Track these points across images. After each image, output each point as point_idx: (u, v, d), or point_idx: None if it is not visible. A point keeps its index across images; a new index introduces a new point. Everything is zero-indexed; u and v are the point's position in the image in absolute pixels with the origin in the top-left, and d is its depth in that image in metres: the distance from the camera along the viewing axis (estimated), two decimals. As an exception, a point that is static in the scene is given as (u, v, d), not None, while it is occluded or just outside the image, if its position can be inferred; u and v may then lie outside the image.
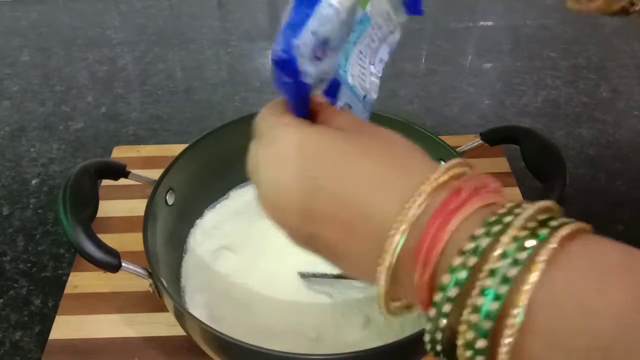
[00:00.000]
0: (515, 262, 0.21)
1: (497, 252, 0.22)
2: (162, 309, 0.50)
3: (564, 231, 0.22)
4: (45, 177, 0.74)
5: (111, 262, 0.47)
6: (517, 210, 0.23)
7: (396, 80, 0.90)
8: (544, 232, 0.22)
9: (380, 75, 0.39)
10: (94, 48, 0.99)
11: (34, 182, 0.73)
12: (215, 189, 0.63)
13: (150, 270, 0.48)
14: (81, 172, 0.52)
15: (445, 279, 0.23)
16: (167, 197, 0.56)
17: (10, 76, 0.93)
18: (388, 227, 0.25)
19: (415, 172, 0.26)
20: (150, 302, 0.54)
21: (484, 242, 0.22)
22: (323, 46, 0.30)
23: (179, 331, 0.50)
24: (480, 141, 0.60)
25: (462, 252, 0.23)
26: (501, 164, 0.70)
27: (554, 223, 0.23)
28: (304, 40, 0.29)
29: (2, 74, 0.93)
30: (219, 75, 0.94)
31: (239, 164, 0.68)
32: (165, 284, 0.47)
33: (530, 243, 0.22)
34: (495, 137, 0.60)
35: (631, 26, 1.00)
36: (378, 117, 0.63)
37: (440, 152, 0.60)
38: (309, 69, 0.30)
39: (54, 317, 0.56)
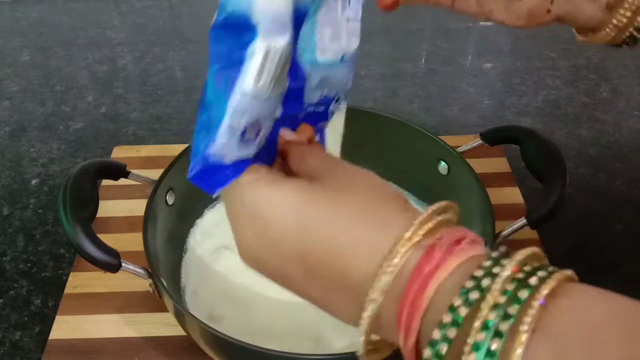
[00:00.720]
0: (498, 334, 0.21)
1: (478, 323, 0.21)
2: (162, 309, 0.50)
3: (545, 289, 0.21)
4: (45, 177, 0.74)
5: (111, 262, 0.47)
6: (495, 270, 0.22)
7: (396, 80, 0.90)
8: (524, 294, 0.21)
9: (359, 16, 0.35)
10: (94, 48, 0.99)
11: (34, 182, 0.73)
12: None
13: (150, 270, 0.48)
14: (81, 172, 0.52)
15: (427, 353, 0.22)
16: (167, 197, 0.56)
17: (10, 76, 0.92)
18: (365, 292, 0.25)
19: (391, 228, 0.26)
20: (150, 302, 0.54)
21: (463, 311, 0.22)
22: (252, 127, 0.29)
23: (179, 331, 0.50)
24: (480, 141, 0.60)
25: (441, 324, 0.22)
26: (501, 164, 0.70)
27: (533, 281, 0.22)
28: (221, 141, 0.28)
29: (2, 74, 0.93)
30: (219, 75, 0.94)
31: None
32: (165, 283, 0.47)
33: (512, 309, 0.21)
34: (495, 137, 0.60)
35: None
36: (378, 117, 0.63)
37: (440, 152, 0.60)
38: (247, 151, 0.29)
39: (54, 317, 0.56)
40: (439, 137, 0.60)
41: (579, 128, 0.80)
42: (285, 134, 0.33)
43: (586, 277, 0.25)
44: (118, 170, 0.57)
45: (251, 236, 0.29)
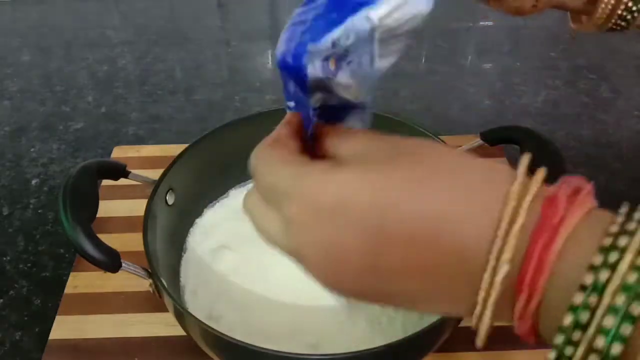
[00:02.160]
0: (638, 297, 0.19)
1: (616, 284, 0.19)
2: (162, 309, 0.50)
3: None
4: (45, 177, 0.74)
5: (111, 262, 0.47)
6: (628, 227, 0.20)
7: (396, 80, 0.90)
8: None
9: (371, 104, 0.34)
10: (94, 48, 0.99)
11: (34, 182, 0.73)
12: (215, 189, 0.63)
13: (150, 270, 0.48)
14: (81, 172, 0.52)
15: (567, 319, 0.20)
16: (167, 197, 0.56)
17: (10, 76, 0.93)
18: (482, 259, 0.22)
19: (496, 183, 0.22)
20: (150, 302, 0.54)
21: (603, 275, 0.19)
22: (340, 60, 0.27)
23: (179, 331, 0.50)
24: (480, 141, 0.60)
25: (583, 287, 0.20)
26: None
27: None
28: (320, 48, 0.26)
29: (2, 74, 0.93)
30: (219, 75, 0.94)
31: (239, 164, 0.68)
32: (165, 283, 0.47)
33: None
34: (495, 137, 0.60)
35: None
36: (378, 117, 0.63)
37: (440, 152, 0.60)
38: (320, 80, 0.27)
39: (54, 317, 0.56)
40: (439, 137, 0.60)
41: (579, 128, 0.80)
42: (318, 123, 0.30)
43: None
44: (118, 170, 0.57)
45: (332, 236, 0.23)
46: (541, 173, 0.23)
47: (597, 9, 0.42)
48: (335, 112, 0.31)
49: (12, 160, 0.77)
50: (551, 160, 0.54)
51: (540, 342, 0.23)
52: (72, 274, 0.60)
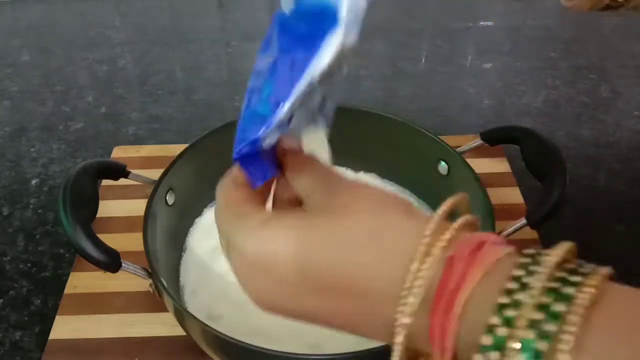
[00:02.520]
0: (537, 356, 0.20)
1: (516, 345, 0.20)
2: (162, 309, 0.50)
3: (584, 300, 0.20)
4: (45, 177, 0.74)
5: (111, 262, 0.47)
6: (525, 280, 0.21)
7: (396, 80, 0.90)
8: (560, 308, 0.20)
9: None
10: (94, 48, 0.99)
11: (34, 182, 0.73)
12: (215, 189, 0.63)
13: (150, 270, 0.48)
14: (81, 172, 0.52)
15: None
16: (167, 197, 0.56)
17: (10, 76, 0.92)
18: (391, 316, 0.24)
19: (403, 244, 0.25)
20: (150, 302, 0.54)
21: (501, 331, 0.21)
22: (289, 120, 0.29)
23: (179, 331, 0.50)
24: (480, 141, 0.60)
25: (482, 347, 0.21)
26: (501, 164, 0.70)
27: (570, 291, 0.20)
28: (275, 126, 0.28)
29: (2, 74, 0.93)
30: (219, 75, 0.94)
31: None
32: (165, 283, 0.47)
33: (549, 327, 0.20)
34: (495, 137, 0.60)
35: (631, 26, 1.00)
36: (378, 117, 0.63)
37: (440, 152, 0.60)
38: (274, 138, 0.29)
39: (54, 317, 0.56)
40: (439, 137, 0.60)
41: (579, 128, 0.80)
42: (285, 141, 0.32)
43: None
44: (118, 170, 0.57)
45: (260, 286, 0.28)
46: (446, 231, 0.24)
47: None
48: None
49: (12, 160, 0.77)
50: (551, 160, 0.54)
51: None
52: (72, 274, 0.60)
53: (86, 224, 0.48)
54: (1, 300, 0.60)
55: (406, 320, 0.23)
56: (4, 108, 0.86)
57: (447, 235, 0.24)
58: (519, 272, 0.22)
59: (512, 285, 0.21)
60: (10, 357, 0.55)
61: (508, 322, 0.21)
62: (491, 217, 0.50)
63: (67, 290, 0.58)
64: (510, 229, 0.51)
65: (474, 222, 0.26)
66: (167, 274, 0.53)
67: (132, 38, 1.02)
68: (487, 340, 0.21)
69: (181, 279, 0.57)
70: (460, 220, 0.25)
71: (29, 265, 0.63)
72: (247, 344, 0.42)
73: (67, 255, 0.63)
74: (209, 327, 0.44)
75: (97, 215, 0.52)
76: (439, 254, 0.24)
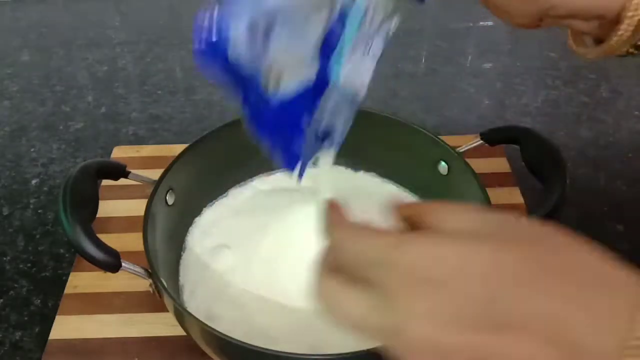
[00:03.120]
0: None
1: None
2: (162, 309, 0.50)
3: None
4: (45, 177, 0.74)
5: (111, 262, 0.47)
6: None
7: (396, 80, 0.90)
8: None
9: (372, 68, 0.34)
10: (94, 48, 0.99)
11: (34, 182, 0.73)
12: (215, 189, 0.63)
13: (150, 270, 0.48)
14: (81, 172, 0.52)
15: None
16: (167, 197, 0.56)
17: (10, 76, 0.92)
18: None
19: (625, 295, 0.21)
20: (150, 302, 0.54)
21: None
22: (267, 25, 0.26)
23: (179, 331, 0.50)
24: (480, 141, 0.60)
25: None
26: (501, 164, 0.70)
27: None
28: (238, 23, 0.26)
29: (2, 74, 0.93)
30: (219, 75, 0.94)
31: (239, 164, 0.68)
32: (165, 284, 0.47)
33: None
34: (495, 137, 0.60)
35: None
36: (378, 117, 0.63)
37: (440, 152, 0.60)
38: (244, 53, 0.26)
39: (54, 317, 0.56)
40: (439, 137, 0.60)
41: (579, 128, 0.80)
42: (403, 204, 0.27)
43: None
44: (118, 170, 0.57)
45: (425, 298, 0.22)
46: None
47: (616, 32, 0.38)
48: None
49: (12, 160, 0.77)
50: (551, 160, 0.54)
51: None
52: (72, 274, 0.60)
53: (86, 224, 0.48)
54: (1, 300, 0.60)
55: None
56: (4, 108, 0.86)
57: None
58: None
59: None
60: (10, 357, 0.55)
61: None
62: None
63: (67, 290, 0.58)
64: (510, 229, 0.51)
65: None
66: (166, 274, 0.53)
67: (132, 38, 1.02)
68: None
69: (180, 278, 0.57)
70: None
71: (29, 265, 0.63)
72: (247, 344, 0.42)
73: (67, 255, 0.63)
74: (209, 327, 0.44)
75: (97, 215, 0.52)
76: None
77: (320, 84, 0.33)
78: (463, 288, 0.21)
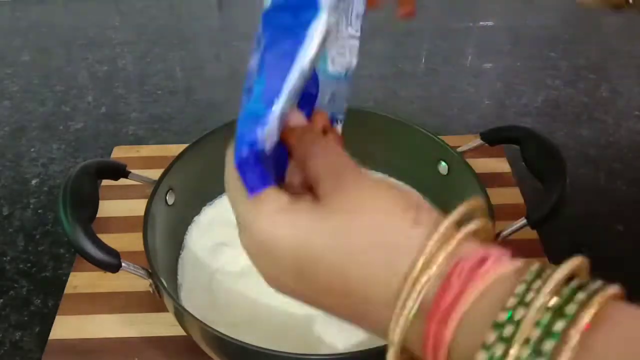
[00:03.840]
0: None
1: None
2: (162, 309, 0.50)
3: (584, 319, 0.20)
4: (45, 177, 0.74)
5: (111, 262, 0.47)
6: (527, 298, 0.21)
7: (396, 80, 0.90)
8: (559, 327, 0.20)
9: (359, 34, 0.35)
10: (94, 48, 0.99)
11: (34, 182, 0.73)
12: (215, 189, 0.63)
13: (150, 270, 0.48)
14: (81, 172, 0.52)
15: None
16: (167, 197, 0.56)
17: (10, 76, 0.92)
18: (387, 321, 0.24)
19: (402, 255, 0.25)
20: (150, 302, 0.54)
21: (499, 349, 0.20)
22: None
23: (179, 331, 0.50)
24: (480, 141, 0.60)
25: None
26: (501, 164, 0.70)
27: (571, 309, 0.20)
28: (272, 125, 0.28)
29: (2, 74, 0.93)
30: (219, 75, 0.94)
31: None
32: (165, 284, 0.47)
33: (547, 345, 0.19)
34: (495, 137, 0.60)
35: (631, 26, 1.00)
36: (378, 117, 0.63)
37: (440, 152, 0.60)
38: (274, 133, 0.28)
39: (54, 317, 0.56)
40: (439, 137, 0.60)
41: (579, 128, 0.80)
42: (291, 117, 0.31)
43: (586, 277, 0.25)
44: (118, 170, 0.57)
45: (266, 268, 0.29)
46: (452, 245, 0.24)
47: None
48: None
49: (12, 160, 0.77)
50: (551, 160, 0.54)
51: None
52: (72, 274, 0.60)
53: (86, 224, 0.48)
54: (1, 300, 0.60)
55: (397, 331, 0.24)
56: (4, 108, 0.86)
57: (449, 249, 0.24)
58: (521, 289, 0.21)
59: (512, 302, 0.21)
60: (10, 357, 0.55)
61: (504, 339, 0.20)
62: (491, 217, 0.50)
63: (67, 290, 0.58)
64: (510, 229, 0.51)
65: (483, 227, 0.26)
66: (166, 274, 0.53)
67: (132, 38, 1.02)
68: (482, 356, 0.21)
69: (178, 277, 0.57)
70: (465, 230, 0.25)
71: (29, 265, 0.63)
72: (246, 343, 0.42)
73: (67, 255, 0.63)
74: (209, 327, 0.44)
75: (97, 215, 0.52)
76: (437, 269, 0.23)
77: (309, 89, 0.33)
78: (279, 259, 0.28)
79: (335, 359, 0.43)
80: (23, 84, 0.91)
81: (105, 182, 0.65)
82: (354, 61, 0.35)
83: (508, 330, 0.20)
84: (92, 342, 0.54)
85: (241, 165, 0.28)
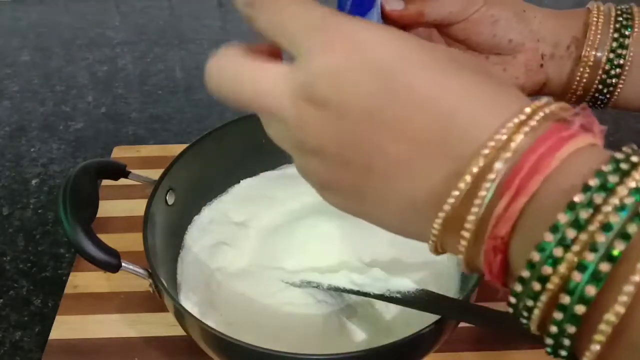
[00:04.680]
0: (638, 217, 0.18)
1: (618, 199, 0.18)
2: (162, 309, 0.50)
3: None
4: (45, 177, 0.74)
5: (111, 262, 0.47)
6: (634, 159, 0.19)
7: (396, 80, 0.90)
8: None
9: None
10: (94, 48, 0.99)
11: (34, 182, 0.73)
12: (215, 188, 0.63)
13: (150, 270, 0.48)
14: (81, 172, 0.52)
15: (562, 217, 0.18)
16: (167, 197, 0.56)
17: (10, 76, 0.93)
18: (480, 144, 0.21)
19: (513, 94, 0.22)
20: (150, 302, 0.54)
21: (613, 178, 0.18)
22: None
23: (179, 331, 0.50)
24: (480, 141, 0.60)
25: (586, 188, 0.19)
26: (501, 164, 0.70)
27: None
28: None
29: (2, 74, 0.93)
30: (219, 75, 0.94)
31: (239, 164, 0.68)
32: (165, 284, 0.47)
33: (632, 229, 0.18)
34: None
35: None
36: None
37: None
38: None
39: (54, 317, 0.56)
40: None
41: (579, 128, 0.80)
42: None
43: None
44: (118, 170, 0.57)
45: (347, 85, 0.23)
46: (555, 105, 0.21)
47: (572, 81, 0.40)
48: None
49: (12, 160, 0.77)
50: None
51: (505, 283, 0.21)
52: (72, 274, 0.60)
53: (86, 224, 0.48)
54: (1, 300, 0.60)
55: (476, 168, 0.20)
56: (4, 108, 0.86)
57: (552, 107, 0.21)
58: (621, 155, 0.20)
59: (621, 155, 0.19)
60: (10, 357, 0.55)
61: (607, 189, 0.18)
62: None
63: (67, 290, 0.58)
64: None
65: (563, 107, 0.22)
66: (166, 274, 0.53)
67: (132, 38, 1.02)
68: (593, 181, 0.19)
69: (178, 276, 0.57)
70: (550, 106, 0.22)
71: (29, 265, 0.63)
72: (246, 343, 0.42)
73: (67, 255, 0.63)
74: (209, 327, 0.44)
75: (97, 215, 0.52)
76: (537, 120, 0.21)
77: None
78: (362, 61, 0.22)
79: (335, 359, 0.43)
80: (23, 84, 0.91)
81: (105, 182, 0.65)
82: None
83: (614, 179, 0.19)
84: (92, 342, 0.54)
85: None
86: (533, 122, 0.20)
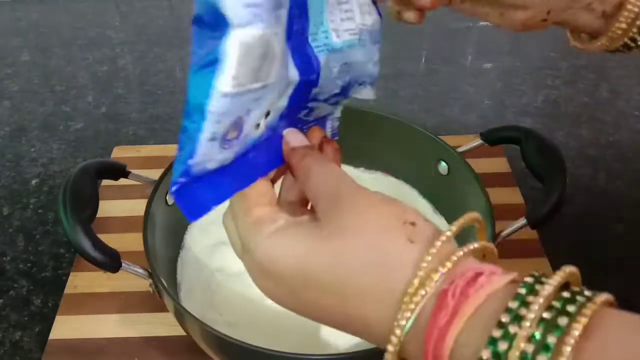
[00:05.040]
0: None
1: None
2: (162, 309, 0.50)
3: (577, 330, 0.20)
4: (45, 177, 0.74)
5: (111, 262, 0.47)
6: (521, 312, 0.21)
7: (396, 80, 0.90)
8: (552, 339, 0.20)
9: None
10: (94, 48, 0.99)
11: (34, 182, 0.73)
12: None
13: (150, 270, 0.48)
14: (81, 172, 0.52)
15: None
16: (167, 197, 0.56)
17: (10, 76, 0.93)
18: (385, 337, 0.25)
19: (398, 272, 0.25)
20: (150, 302, 0.54)
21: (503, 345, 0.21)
22: (234, 126, 0.27)
23: (179, 331, 0.50)
24: (480, 141, 0.60)
25: None
26: (501, 164, 0.70)
27: (563, 322, 0.21)
28: (202, 151, 0.27)
29: (2, 74, 0.93)
30: (219, 75, 0.94)
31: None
32: (165, 284, 0.47)
33: (542, 358, 0.20)
34: (495, 137, 0.60)
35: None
36: (378, 117, 0.63)
37: (440, 152, 0.60)
38: (228, 154, 0.27)
39: (54, 317, 0.56)
40: (439, 137, 0.60)
41: (579, 128, 0.80)
42: (291, 138, 0.32)
43: (586, 277, 0.25)
44: (118, 170, 0.57)
45: (270, 289, 0.30)
46: (446, 265, 0.24)
47: (612, 24, 0.40)
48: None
49: (12, 160, 0.77)
50: (551, 160, 0.54)
51: None
52: (72, 274, 0.60)
53: (86, 224, 0.48)
54: (1, 300, 0.60)
55: (391, 349, 0.25)
56: (4, 108, 0.86)
57: (444, 268, 0.24)
58: (514, 304, 0.22)
59: (506, 317, 0.22)
60: (10, 357, 0.55)
61: (499, 356, 0.21)
62: (491, 217, 0.50)
63: (67, 290, 0.58)
64: (510, 229, 0.51)
65: (483, 248, 0.26)
66: (166, 274, 0.53)
67: (132, 38, 1.02)
68: None
69: (178, 276, 0.57)
70: (463, 249, 0.25)
71: (29, 265, 0.63)
72: (246, 343, 0.42)
73: (67, 255, 0.63)
74: (209, 327, 0.44)
75: (97, 215, 0.52)
76: (432, 287, 0.24)
77: (308, 73, 0.31)
78: (282, 280, 0.29)
79: (335, 359, 0.43)
80: (23, 84, 0.91)
81: (105, 182, 0.65)
82: (369, 20, 0.33)
83: (503, 346, 0.21)
84: (92, 342, 0.54)
85: (177, 194, 0.28)
86: (410, 317, 0.24)
